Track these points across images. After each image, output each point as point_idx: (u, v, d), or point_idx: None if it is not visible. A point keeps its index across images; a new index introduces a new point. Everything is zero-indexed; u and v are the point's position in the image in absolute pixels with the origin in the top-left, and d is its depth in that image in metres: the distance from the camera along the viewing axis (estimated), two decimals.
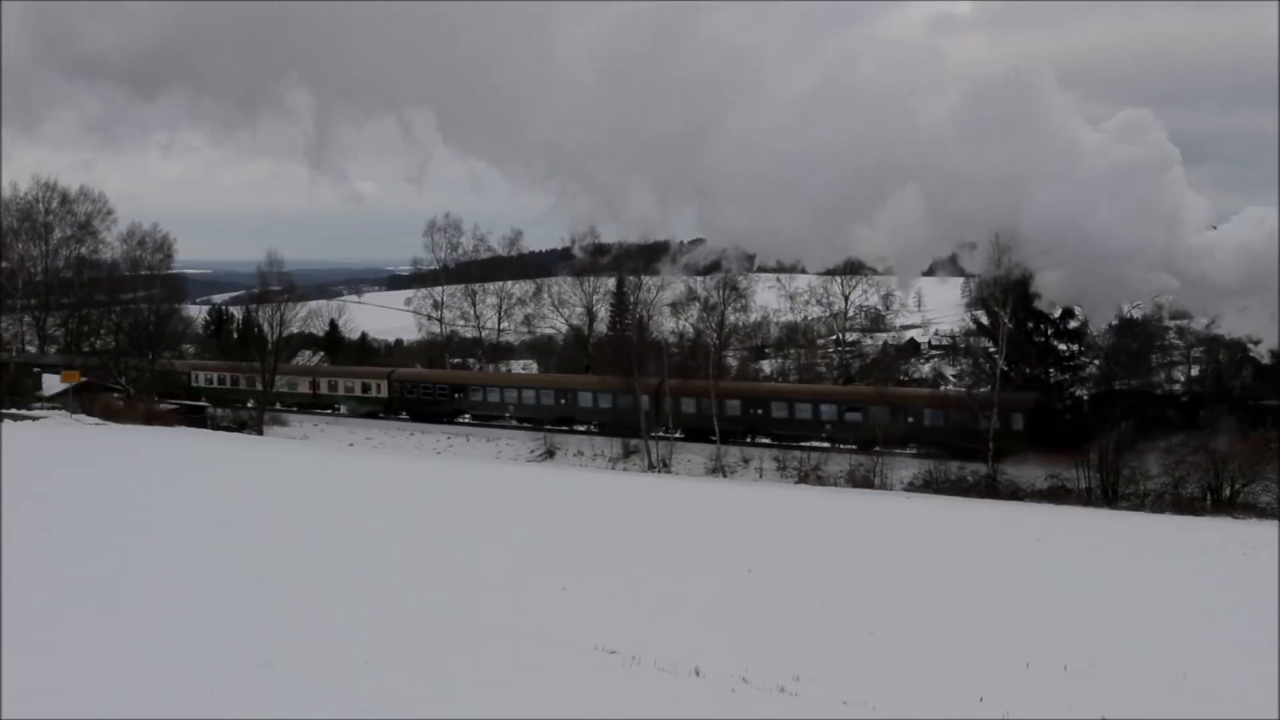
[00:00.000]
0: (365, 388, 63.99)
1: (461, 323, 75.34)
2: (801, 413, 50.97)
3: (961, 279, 55.43)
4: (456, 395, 61.17)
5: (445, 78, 50.00)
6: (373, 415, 62.70)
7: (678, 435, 52.29)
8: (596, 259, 65.60)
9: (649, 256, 56.59)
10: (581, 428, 56.81)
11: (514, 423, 58.42)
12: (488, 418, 60.03)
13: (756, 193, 45.94)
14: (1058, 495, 40.60)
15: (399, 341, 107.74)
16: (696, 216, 51.76)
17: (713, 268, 53.87)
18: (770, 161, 44.93)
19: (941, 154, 42.55)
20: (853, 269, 60.25)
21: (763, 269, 60.99)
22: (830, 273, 60.90)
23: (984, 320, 50.39)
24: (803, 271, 61.96)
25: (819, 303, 63.39)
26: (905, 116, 44.29)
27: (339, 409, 64.88)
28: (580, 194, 51.38)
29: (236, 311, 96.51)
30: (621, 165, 47.84)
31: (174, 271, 79.78)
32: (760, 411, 51.98)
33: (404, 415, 62.22)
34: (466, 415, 61.51)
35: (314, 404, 65.04)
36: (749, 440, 52.01)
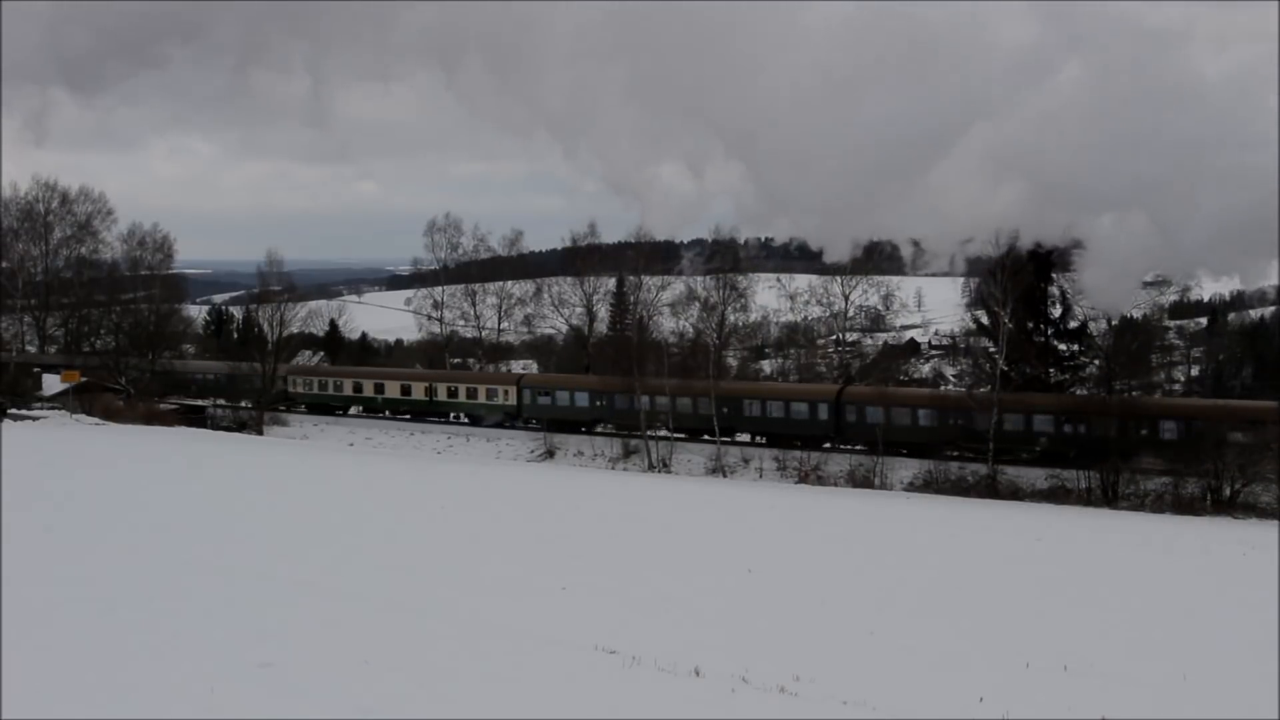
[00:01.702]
0: (490, 394, 59.70)
1: (461, 323, 75.36)
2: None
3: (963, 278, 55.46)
4: (599, 403, 55.88)
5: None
6: (499, 425, 58.61)
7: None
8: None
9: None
10: (747, 438, 52.55)
11: (676, 436, 52.43)
12: (631, 430, 52.86)
13: None
14: (1058, 495, 40.60)
15: (399, 341, 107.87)
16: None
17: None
18: None
19: None
20: None
21: None
22: (835, 272, 60.81)
23: (984, 320, 50.38)
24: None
25: (819, 303, 63.34)
26: None
27: (459, 417, 60.63)
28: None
29: (236, 311, 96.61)
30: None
31: (174, 271, 79.86)
32: (959, 422, 46.86)
33: (534, 424, 57.55)
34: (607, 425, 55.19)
35: (428, 411, 61.19)
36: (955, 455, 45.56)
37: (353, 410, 64.14)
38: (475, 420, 59.77)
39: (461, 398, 60.41)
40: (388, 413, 62.47)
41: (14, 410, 45.98)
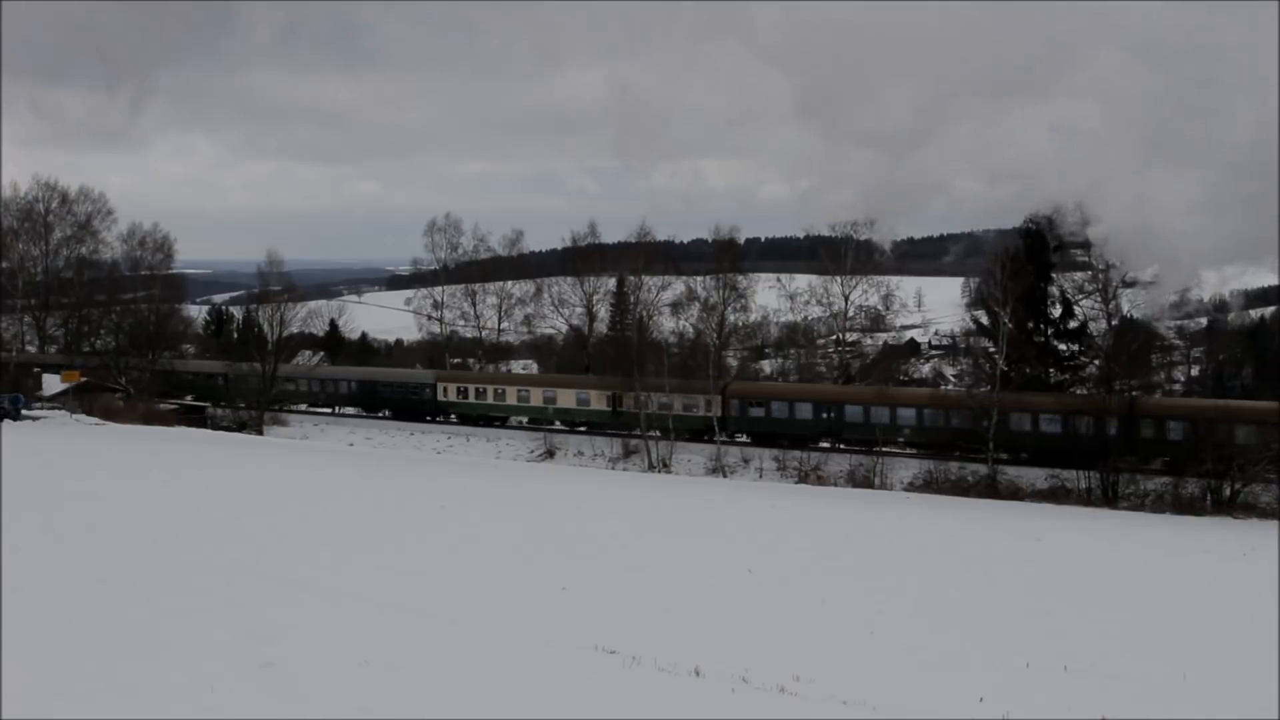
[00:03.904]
0: (688, 405, 52.86)
1: (461, 323, 75.37)
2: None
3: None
4: (827, 415, 49.93)
5: None
6: (696, 437, 52.30)
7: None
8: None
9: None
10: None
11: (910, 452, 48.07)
12: (868, 444, 47.67)
13: None
14: (1058, 495, 40.62)
15: (399, 341, 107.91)
16: None
17: None
18: None
19: None
20: None
21: None
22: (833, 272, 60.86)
23: (984, 320, 50.41)
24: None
25: (819, 303, 63.35)
26: None
27: (651, 431, 53.34)
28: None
29: (236, 311, 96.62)
30: None
31: (174, 271, 79.93)
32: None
33: (742, 438, 52.02)
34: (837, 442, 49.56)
35: (611, 424, 54.75)
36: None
37: (513, 421, 58.89)
38: (665, 434, 52.62)
39: (653, 409, 53.46)
40: (558, 423, 56.42)
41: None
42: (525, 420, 58.61)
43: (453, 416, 60.92)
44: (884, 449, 46.74)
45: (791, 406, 50.97)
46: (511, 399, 58.81)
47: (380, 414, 63.73)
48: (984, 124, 43.36)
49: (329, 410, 65.77)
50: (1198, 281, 51.00)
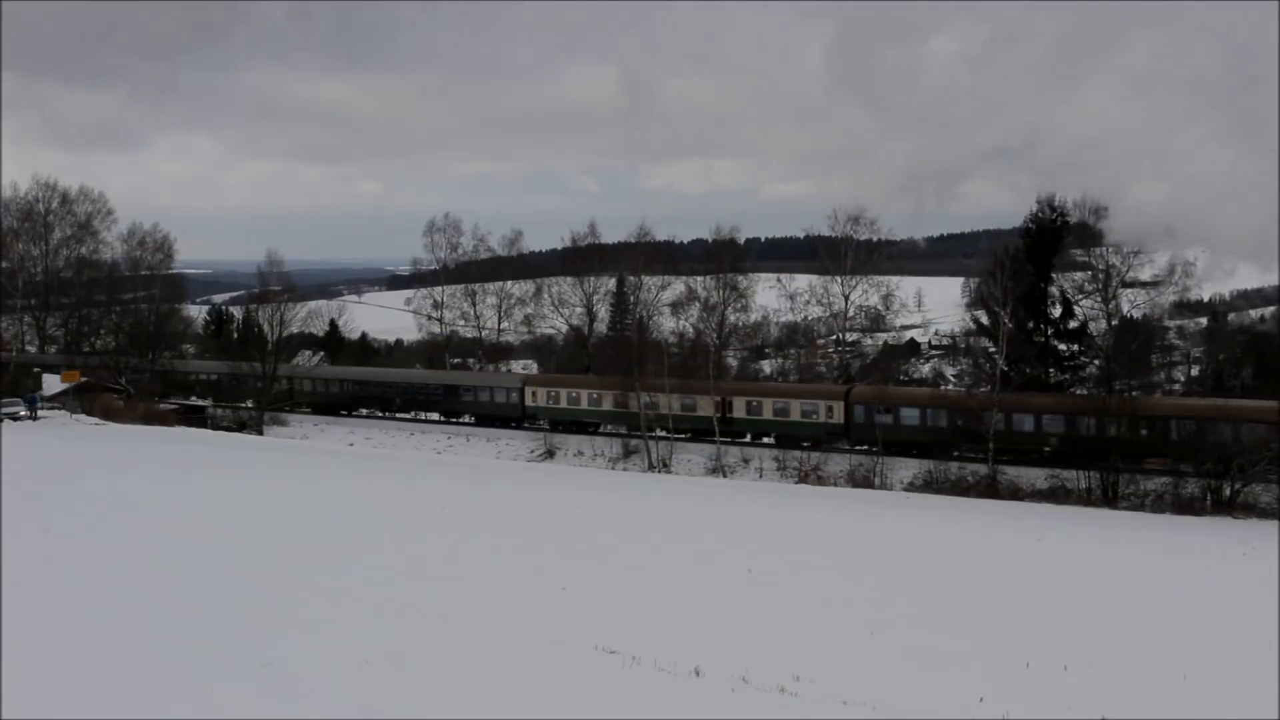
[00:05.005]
0: (807, 411, 49.71)
1: (461, 323, 75.37)
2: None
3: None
4: (963, 422, 45.45)
5: None
6: (816, 444, 49.12)
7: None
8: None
9: None
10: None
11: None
12: (1013, 454, 43.78)
13: None
14: (1058, 495, 40.60)
15: (399, 341, 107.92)
16: None
17: None
18: None
19: None
20: None
21: None
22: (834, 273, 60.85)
23: (984, 320, 50.42)
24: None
25: (819, 303, 63.33)
26: None
27: (770, 437, 50.84)
28: None
29: (236, 311, 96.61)
30: None
31: (174, 271, 79.92)
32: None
33: (868, 447, 47.34)
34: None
35: (721, 431, 50.91)
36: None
37: (607, 427, 54.88)
38: (781, 441, 50.02)
39: (767, 414, 50.43)
40: (659, 430, 52.66)
41: (16, 410, 45.93)
42: (624, 428, 54.11)
43: (542, 423, 57.15)
44: (1022, 459, 43.46)
45: (925, 413, 47.19)
46: (608, 404, 54.43)
47: (463, 420, 60.20)
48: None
49: (408, 416, 62.35)
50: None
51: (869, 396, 49.00)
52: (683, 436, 52.50)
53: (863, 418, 48.17)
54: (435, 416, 62.25)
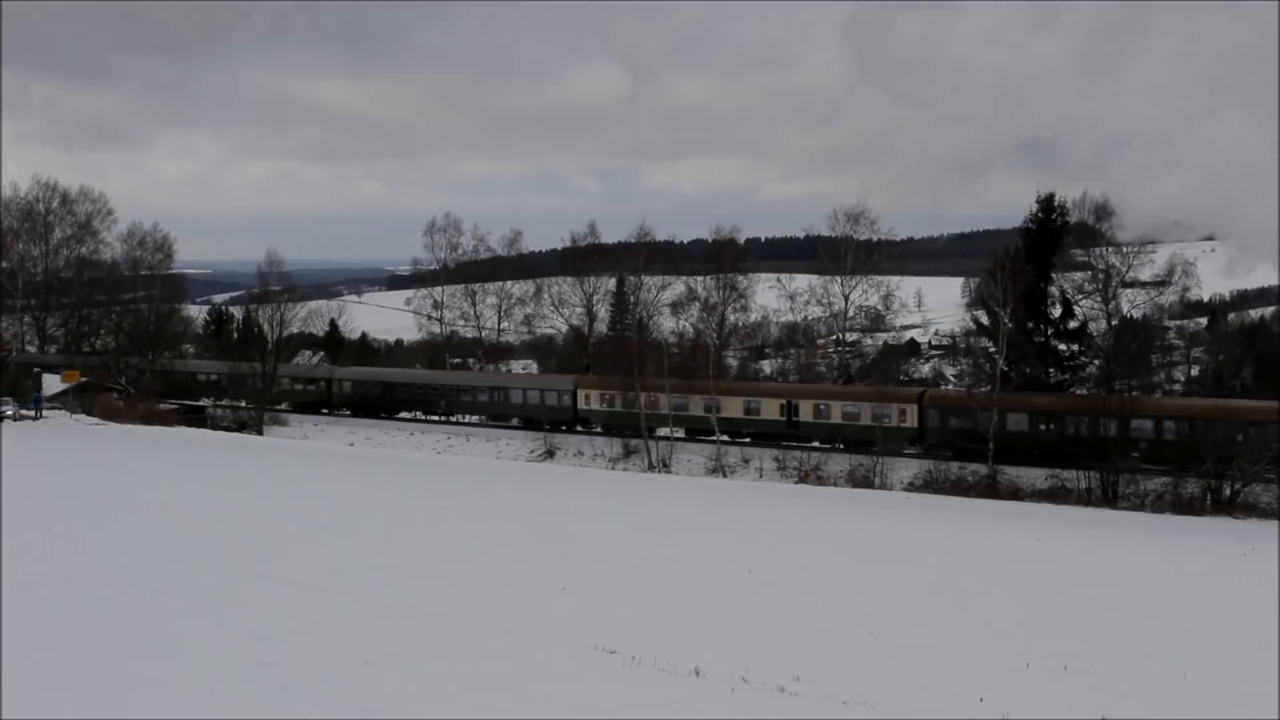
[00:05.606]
0: (879, 415, 48.28)
1: (461, 323, 75.40)
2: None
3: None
4: (1045, 427, 44.36)
5: None
6: (893, 451, 47.22)
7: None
8: None
9: None
10: None
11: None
12: (1098, 461, 41.24)
13: None
14: (1058, 495, 40.61)
15: (399, 341, 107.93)
16: None
17: None
18: None
19: None
20: None
21: None
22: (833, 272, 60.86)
23: (984, 320, 50.43)
24: None
25: (819, 303, 63.34)
26: None
27: (837, 443, 49.40)
28: None
29: (236, 311, 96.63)
30: None
31: (174, 271, 79.98)
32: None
33: (944, 453, 45.91)
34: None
35: (785, 435, 50.00)
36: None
37: (662, 431, 52.38)
38: (850, 445, 48.65)
39: (834, 418, 49.08)
40: (727, 436, 51.20)
41: (18, 410, 45.93)
42: (682, 431, 52.82)
43: (596, 427, 55.90)
44: (1120, 468, 41.15)
45: (1002, 418, 44.96)
46: (665, 406, 52.01)
47: (511, 423, 58.98)
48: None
49: (454, 420, 60.96)
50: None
51: (943, 400, 49.21)
52: (745, 441, 51.53)
53: (937, 421, 47.78)
54: (435, 417, 61.92)
